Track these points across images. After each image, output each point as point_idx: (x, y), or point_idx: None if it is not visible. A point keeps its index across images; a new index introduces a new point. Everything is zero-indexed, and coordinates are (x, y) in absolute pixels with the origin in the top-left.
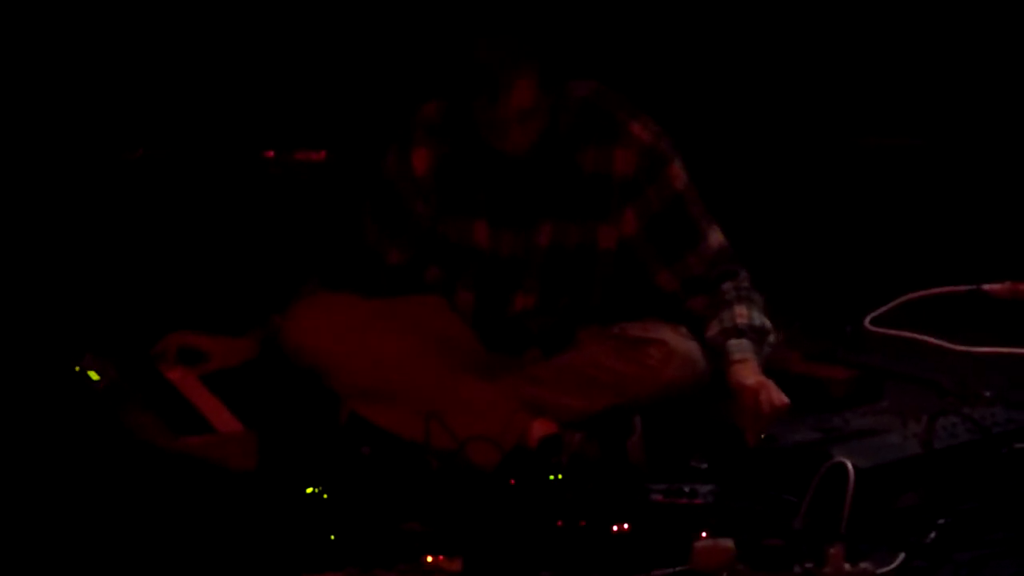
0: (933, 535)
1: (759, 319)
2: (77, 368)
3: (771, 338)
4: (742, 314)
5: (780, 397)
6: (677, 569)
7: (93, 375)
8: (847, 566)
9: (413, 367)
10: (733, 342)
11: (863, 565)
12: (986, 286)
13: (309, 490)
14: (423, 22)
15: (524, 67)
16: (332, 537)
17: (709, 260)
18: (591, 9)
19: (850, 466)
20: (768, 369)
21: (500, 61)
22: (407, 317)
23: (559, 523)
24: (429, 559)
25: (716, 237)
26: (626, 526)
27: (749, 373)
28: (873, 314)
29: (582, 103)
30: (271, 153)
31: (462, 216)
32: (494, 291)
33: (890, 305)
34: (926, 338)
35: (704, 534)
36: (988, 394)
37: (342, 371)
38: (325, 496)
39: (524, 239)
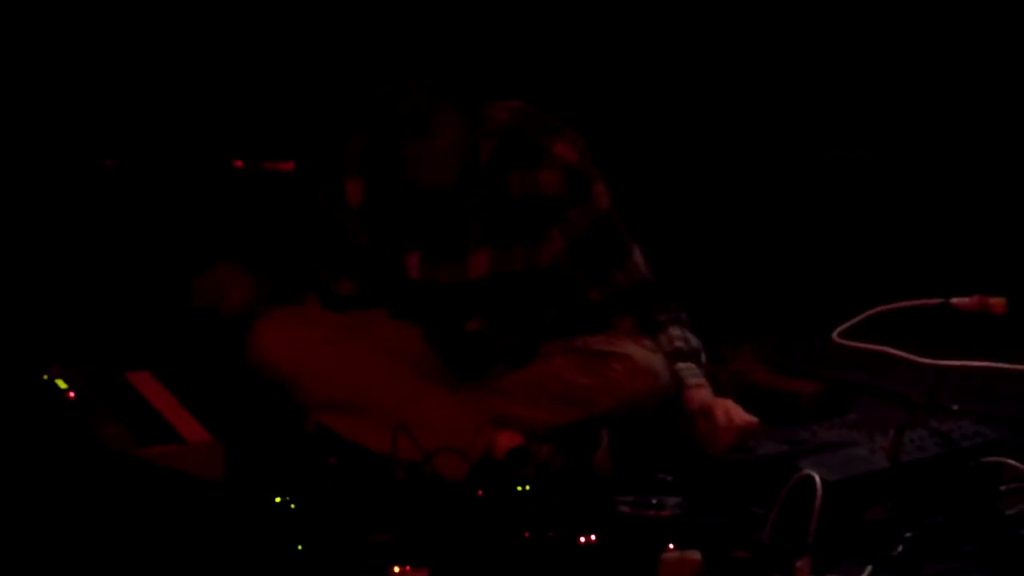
0: (900, 548)
1: (694, 340)
2: (45, 377)
3: (703, 357)
4: (678, 336)
5: (748, 415)
6: None
7: (61, 384)
8: None
9: (379, 380)
10: (682, 366)
11: None
12: (954, 300)
13: (277, 500)
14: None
15: (447, 107)
16: (299, 547)
17: (635, 277)
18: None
19: (818, 479)
20: (736, 382)
21: (427, 103)
22: (372, 331)
23: (526, 534)
24: (396, 569)
25: (639, 255)
26: (593, 538)
27: (709, 395)
28: (841, 327)
29: (503, 127)
30: (240, 163)
31: (395, 249)
32: (442, 321)
33: (858, 318)
34: (894, 351)
35: (671, 546)
36: (956, 407)
37: (308, 384)
38: (292, 506)
39: (461, 268)
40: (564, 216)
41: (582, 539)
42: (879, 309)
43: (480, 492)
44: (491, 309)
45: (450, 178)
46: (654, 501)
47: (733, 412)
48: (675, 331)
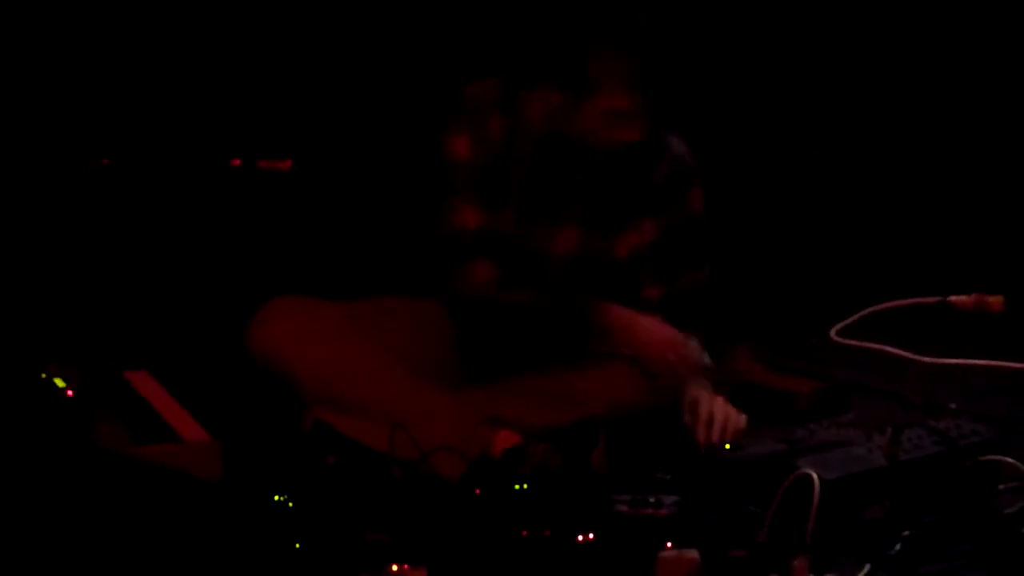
0: (898, 547)
1: (707, 358)
2: (43, 376)
3: (712, 377)
4: (696, 349)
5: (734, 412)
6: None
7: (59, 383)
8: None
9: (377, 376)
10: None
11: None
12: (952, 298)
13: (275, 498)
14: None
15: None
16: (297, 546)
17: (697, 285)
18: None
19: (815, 478)
20: (733, 381)
21: (636, 67)
22: (374, 323)
23: (524, 533)
24: (394, 568)
25: (708, 268)
26: (591, 536)
27: (702, 392)
28: (839, 326)
29: None
30: (237, 162)
31: (497, 203)
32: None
33: (856, 316)
34: (892, 350)
35: (669, 545)
36: (953, 406)
37: (307, 378)
38: (290, 505)
39: (549, 236)
40: (665, 207)
41: (580, 538)
42: (876, 308)
43: (477, 491)
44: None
45: (641, 137)
46: (652, 500)
47: (717, 408)
48: (693, 344)
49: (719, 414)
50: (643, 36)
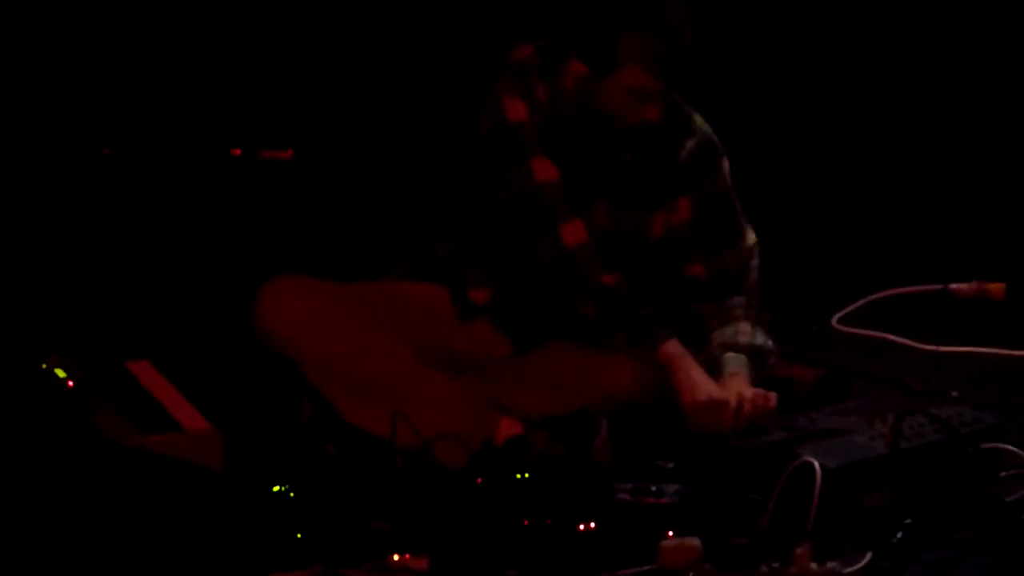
0: (900, 535)
1: (761, 339)
2: (44, 366)
3: (771, 360)
4: (745, 332)
5: (764, 402)
6: (643, 568)
7: (60, 373)
8: (814, 566)
9: (380, 359)
10: (730, 355)
11: (830, 565)
12: (953, 285)
13: (276, 488)
14: None
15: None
16: (299, 535)
17: (741, 261)
18: None
19: (817, 466)
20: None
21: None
22: (378, 305)
23: (525, 522)
24: (396, 558)
25: (751, 237)
26: (592, 525)
27: (734, 385)
28: (840, 313)
29: None
30: (238, 151)
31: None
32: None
33: (857, 304)
34: (893, 337)
35: (670, 533)
36: (955, 393)
37: (309, 358)
38: (291, 494)
39: (586, 207)
40: (698, 185)
41: (581, 527)
42: (878, 295)
43: (479, 480)
44: (612, 265)
45: (658, 118)
46: (653, 488)
47: (710, 388)
48: (745, 326)
49: (701, 395)
50: (675, 21)
